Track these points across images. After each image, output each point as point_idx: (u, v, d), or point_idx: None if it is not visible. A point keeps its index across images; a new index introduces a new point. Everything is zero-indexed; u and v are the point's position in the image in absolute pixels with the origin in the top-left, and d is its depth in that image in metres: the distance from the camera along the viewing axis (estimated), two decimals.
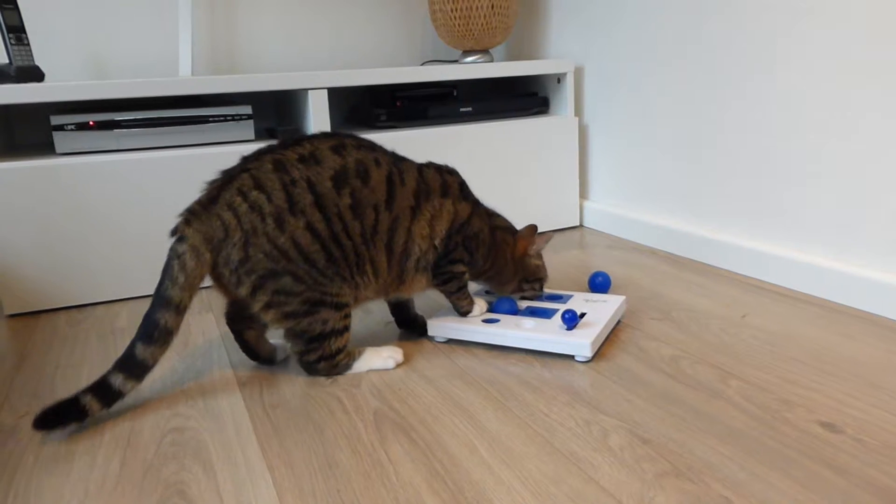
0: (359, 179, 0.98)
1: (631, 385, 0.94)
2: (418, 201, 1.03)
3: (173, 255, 0.92)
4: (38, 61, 1.72)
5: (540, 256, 1.17)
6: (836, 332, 1.09)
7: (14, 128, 1.70)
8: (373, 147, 1.04)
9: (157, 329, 0.90)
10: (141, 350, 0.90)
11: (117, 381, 0.89)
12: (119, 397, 0.90)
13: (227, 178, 0.96)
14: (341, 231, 0.96)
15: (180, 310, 0.92)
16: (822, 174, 1.22)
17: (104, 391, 0.89)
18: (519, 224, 1.17)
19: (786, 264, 1.30)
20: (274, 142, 1.01)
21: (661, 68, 1.54)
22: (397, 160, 1.05)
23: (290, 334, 0.97)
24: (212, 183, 0.97)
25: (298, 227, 0.93)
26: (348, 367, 1.01)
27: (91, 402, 0.88)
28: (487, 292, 1.23)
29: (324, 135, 1.01)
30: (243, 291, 0.94)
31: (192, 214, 0.94)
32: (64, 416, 0.87)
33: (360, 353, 1.02)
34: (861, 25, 1.12)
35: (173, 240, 0.93)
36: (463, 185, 1.10)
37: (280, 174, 0.94)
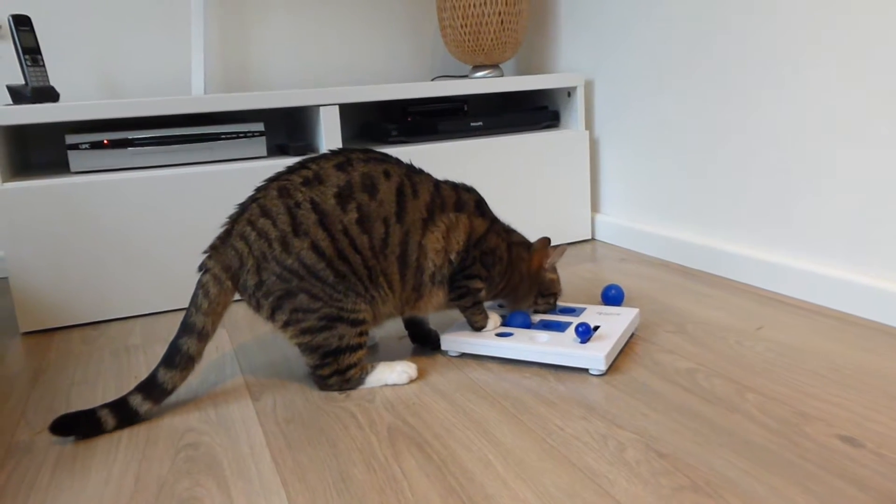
0: (365, 193, 0.99)
1: (646, 398, 0.94)
2: (431, 214, 1.03)
3: (198, 285, 0.97)
4: (53, 82, 1.74)
5: (555, 270, 1.17)
6: (854, 344, 1.08)
7: (30, 147, 1.72)
8: (384, 159, 1.04)
9: (178, 354, 0.95)
10: (162, 374, 0.94)
11: (135, 400, 0.93)
12: (134, 417, 0.93)
13: (241, 210, 1.00)
14: (348, 246, 0.97)
15: (203, 336, 0.96)
16: (837, 184, 1.22)
17: (121, 408, 0.92)
18: (531, 238, 1.17)
19: (801, 276, 1.29)
20: (283, 167, 1.04)
21: (671, 80, 1.54)
22: (412, 172, 1.05)
23: (307, 349, 0.99)
24: (229, 217, 1.01)
25: (304, 248, 0.96)
26: (361, 381, 1.01)
27: (107, 417, 0.91)
28: (501, 305, 1.23)
29: (332, 153, 1.03)
30: (264, 314, 0.99)
31: (214, 249, 0.99)
32: (78, 426, 0.90)
33: (372, 368, 1.02)
34: (874, 34, 1.12)
35: (200, 274, 0.98)
36: (479, 203, 1.09)
37: (284, 199, 0.97)
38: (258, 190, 1.01)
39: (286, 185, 0.98)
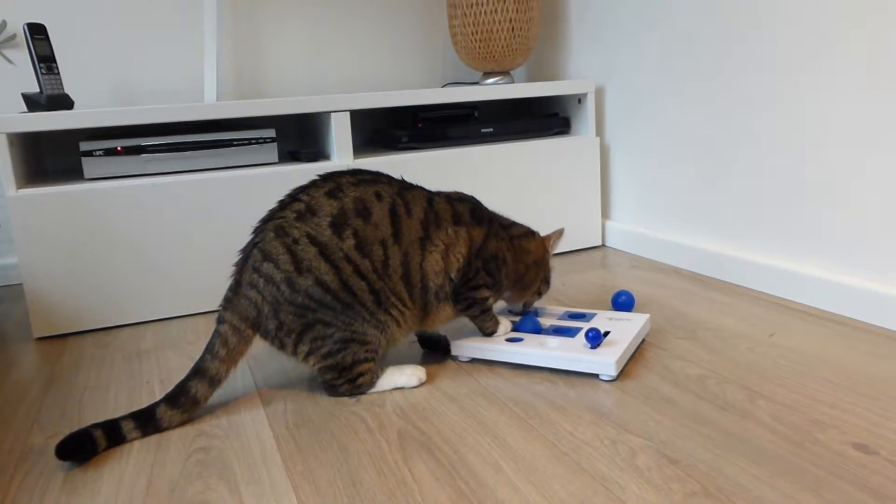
0: (360, 218, 0.99)
1: (657, 404, 0.93)
2: (427, 231, 1.03)
3: (215, 334, 0.97)
4: (68, 89, 1.76)
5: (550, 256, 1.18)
6: (867, 351, 1.07)
7: (44, 154, 1.74)
8: (375, 179, 1.04)
9: (185, 395, 0.95)
10: (162, 411, 0.94)
11: (128, 426, 0.92)
12: (122, 441, 0.92)
13: (244, 257, 1.00)
14: (352, 274, 0.97)
15: (214, 382, 0.96)
16: (850, 191, 1.21)
17: (113, 431, 0.90)
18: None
19: (814, 283, 1.28)
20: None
21: (683, 86, 1.54)
22: (404, 189, 1.05)
23: (325, 370, 0.99)
24: (235, 265, 1.02)
25: (309, 284, 0.96)
26: (371, 384, 1.02)
27: (100, 438, 0.89)
28: (510, 311, 1.23)
29: (322, 179, 1.03)
30: (288, 352, 1.00)
31: (228, 301, 0.99)
32: (79, 448, 0.87)
33: (382, 372, 1.03)
34: (892, 41, 1.12)
35: (217, 325, 0.99)
36: (474, 210, 1.09)
37: (282, 238, 0.97)
38: (256, 232, 1.01)
39: (281, 224, 0.98)
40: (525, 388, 1.01)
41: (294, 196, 1.02)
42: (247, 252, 1.00)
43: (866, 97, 1.16)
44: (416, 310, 1.03)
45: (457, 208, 1.07)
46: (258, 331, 0.98)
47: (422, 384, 1.03)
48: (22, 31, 1.70)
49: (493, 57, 1.81)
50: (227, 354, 0.96)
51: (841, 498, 0.71)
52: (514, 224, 1.15)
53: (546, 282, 1.17)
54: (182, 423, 0.95)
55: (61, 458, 0.86)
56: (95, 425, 0.89)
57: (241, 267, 1.00)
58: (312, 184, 1.02)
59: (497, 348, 1.08)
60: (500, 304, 1.24)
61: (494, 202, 1.18)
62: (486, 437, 0.87)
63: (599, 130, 1.84)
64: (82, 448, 0.87)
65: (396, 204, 1.02)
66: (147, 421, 0.92)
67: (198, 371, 0.95)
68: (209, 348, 0.96)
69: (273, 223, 0.99)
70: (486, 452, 0.84)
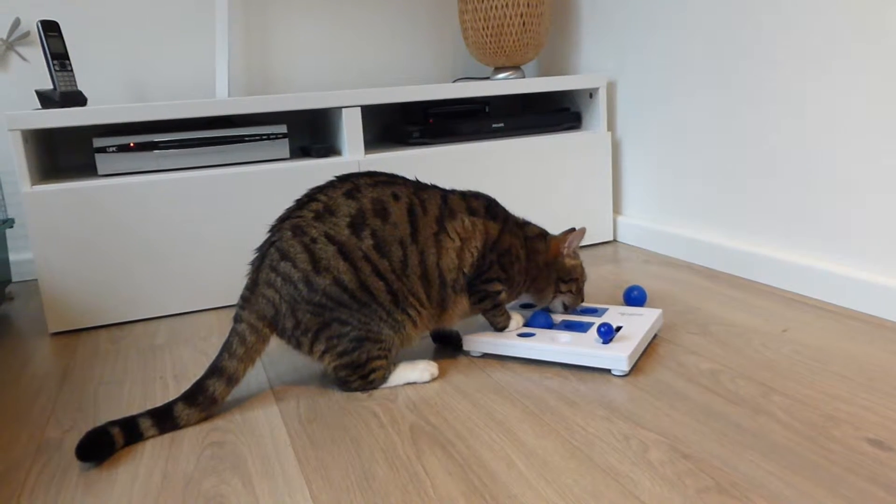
0: (378, 218, 0.99)
1: (670, 399, 0.93)
2: (441, 224, 1.03)
3: (233, 333, 0.98)
4: (81, 86, 1.77)
5: (576, 256, 1.16)
6: (882, 347, 1.06)
7: (58, 151, 1.75)
8: (391, 181, 1.04)
9: (203, 394, 0.95)
10: (179, 409, 0.94)
11: (145, 423, 0.91)
12: (139, 439, 0.91)
13: (261, 256, 1.00)
14: (370, 273, 0.97)
15: (232, 381, 0.97)
16: (863, 185, 1.20)
17: (130, 429, 0.90)
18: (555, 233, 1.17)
19: (827, 278, 1.27)
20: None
21: (695, 81, 1.53)
22: (419, 189, 1.05)
23: (339, 367, 1.00)
24: (251, 264, 1.02)
25: (327, 284, 0.96)
26: (384, 380, 1.02)
27: (118, 435, 0.89)
28: (523, 306, 1.23)
29: (339, 180, 1.03)
30: (304, 350, 1.00)
31: (245, 300, 0.99)
32: (99, 448, 0.87)
33: (394, 367, 1.03)
34: None
35: (234, 324, 0.99)
36: (489, 207, 1.09)
37: (299, 237, 0.98)
38: (273, 231, 1.01)
39: (299, 223, 0.98)
40: (537, 383, 1.01)
41: (312, 196, 1.02)
42: (263, 251, 1.00)
43: (880, 93, 1.15)
44: (433, 309, 1.04)
45: (471, 203, 1.08)
46: (275, 330, 0.99)
47: (434, 379, 1.04)
48: (35, 28, 1.71)
49: (504, 52, 1.81)
50: (245, 353, 0.97)
51: (856, 494, 0.71)
52: (528, 224, 1.16)
53: (565, 280, 1.14)
54: (199, 422, 0.95)
55: (82, 459, 0.86)
56: (113, 423, 0.89)
57: (258, 266, 1.00)
58: (330, 184, 1.03)
59: (509, 343, 1.08)
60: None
61: (506, 197, 1.18)
62: (498, 432, 0.87)
63: (611, 125, 1.83)
64: (102, 447, 0.87)
65: (413, 204, 1.02)
66: (165, 419, 0.93)
67: (216, 370, 0.95)
68: (227, 347, 0.97)
69: (290, 222, 0.99)
70: (498, 447, 0.84)
